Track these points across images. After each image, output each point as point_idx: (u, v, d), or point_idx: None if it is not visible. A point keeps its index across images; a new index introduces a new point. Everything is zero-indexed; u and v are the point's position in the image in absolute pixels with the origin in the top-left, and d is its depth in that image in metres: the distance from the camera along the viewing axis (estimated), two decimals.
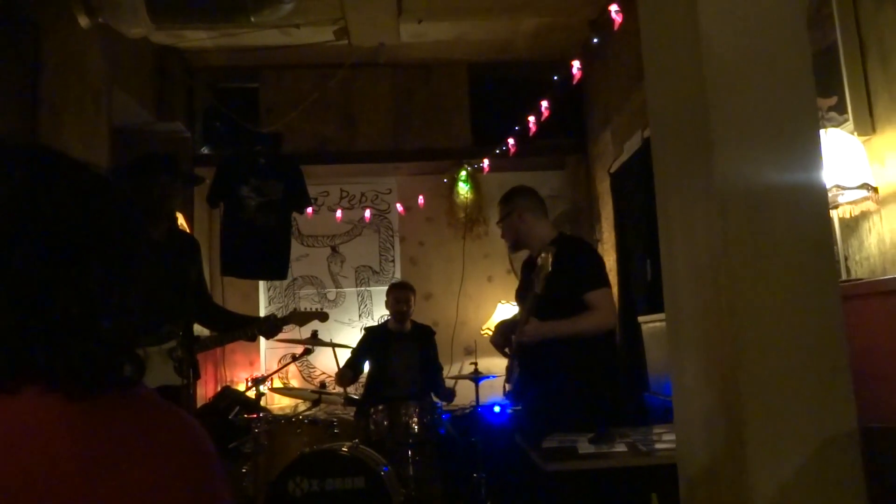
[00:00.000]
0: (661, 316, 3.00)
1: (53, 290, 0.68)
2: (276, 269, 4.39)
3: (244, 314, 3.28)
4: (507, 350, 2.97)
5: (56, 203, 0.70)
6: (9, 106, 2.97)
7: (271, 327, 3.04)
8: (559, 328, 2.73)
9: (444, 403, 4.39)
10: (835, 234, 2.19)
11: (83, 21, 3.35)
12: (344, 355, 4.56)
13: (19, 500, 0.61)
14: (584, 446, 2.10)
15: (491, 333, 5.02)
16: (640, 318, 3.68)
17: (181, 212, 4.11)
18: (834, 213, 2.16)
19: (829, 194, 1.99)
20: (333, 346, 4.16)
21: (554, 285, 2.81)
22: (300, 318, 3.34)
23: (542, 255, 2.69)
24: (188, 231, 4.36)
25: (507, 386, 2.99)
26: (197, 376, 2.84)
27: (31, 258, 0.68)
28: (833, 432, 1.17)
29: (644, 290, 3.90)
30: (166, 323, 2.63)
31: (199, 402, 4.33)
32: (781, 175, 1.26)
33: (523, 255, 3.14)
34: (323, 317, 3.40)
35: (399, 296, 4.47)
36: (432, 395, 4.40)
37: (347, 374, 4.35)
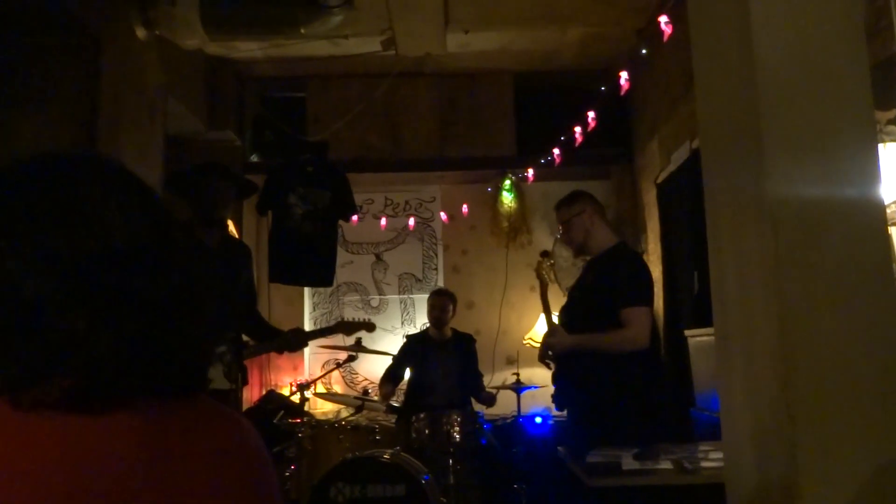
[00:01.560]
0: (709, 330, 2.94)
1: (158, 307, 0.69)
2: (322, 276, 4.45)
3: (274, 327, 3.27)
4: (549, 363, 2.95)
5: (131, 215, 0.70)
6: (70, 115, 3.09)
7: (297, 341, 3.07)
8: (585, 342, 2.71)
9: (485, 409, 4.38)
10: (893, 251, 2.11)
11: (141, 33, 3.46)
12: (386, 362, 4.59)
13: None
14: (629, 462, 2.07)
15: (532, 344, 5.03)
16: (687, 332, 3.61)
17: (231, 219, 4.20)
18: (893, 231, 2.09)
19: (888, 210, 1.92)
20: (376, 353, 4.19)
21: (593, 296, 2.80)
22: (346, 327, 3.36)
23: (546, 263, 2.78)
24: (238, 238, 4.45)
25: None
26: (245, 381, 2.88)
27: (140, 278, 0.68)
28: (891, 458, 1.13)
29: (690, 304, 3.83)
30: (221, 328, 2.66)
31: (245, 406, 4.41)
32: (837, 190, 1.23)
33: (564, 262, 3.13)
34: (370, 327, 3.42)
35: (435, 302, 4.50)
36: (473, 401, 4.39)
37: (388, 389, 4.39)
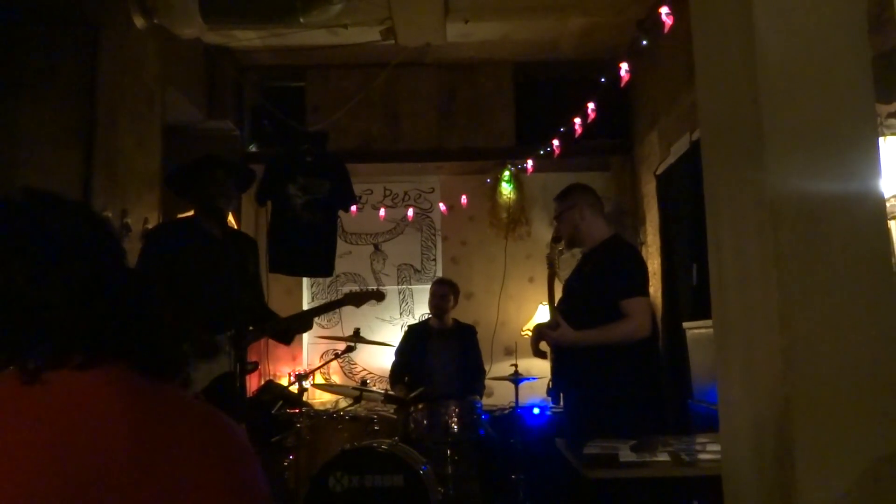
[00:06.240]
0: (707, 322, 2.95)
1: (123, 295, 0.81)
2: (322, 266, 4.44)
3: (282, 318, 3.27)
4: (543, 353, 2.97)
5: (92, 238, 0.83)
6: (68, 104, 3.08)
7: (301, 324, 3.08)
8: (589, 336, 2.74)
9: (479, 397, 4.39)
10: (893, 245, 2.11)
11: (139, 22, 3.44)
12: (384, 352, 4.59)
13: (76, 472, 0.66)
14: (626, 454, 2.07)
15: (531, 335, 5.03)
16: (685, 324, 3.62)
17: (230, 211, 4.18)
18: (893, 224, 2.08)
19: (888, 204, 1.92)
20: (374, 343, 4.19)
21: (592, 288, 2.82)
22: (356, 298, 3.30)
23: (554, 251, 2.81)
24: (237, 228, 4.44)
25: (551, 384, 3.00)
26: (254, 367, 2.88)
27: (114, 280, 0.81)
28: (888, 451, 1.13)
29: (689, 296, 3.83)
30: (227, 315, 2.65)
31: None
32: (837, 184, 1.23)
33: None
34: (379, 296, 3.33)
35: (436, 290, 4.52)
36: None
37: (399, 390, 4.36)
